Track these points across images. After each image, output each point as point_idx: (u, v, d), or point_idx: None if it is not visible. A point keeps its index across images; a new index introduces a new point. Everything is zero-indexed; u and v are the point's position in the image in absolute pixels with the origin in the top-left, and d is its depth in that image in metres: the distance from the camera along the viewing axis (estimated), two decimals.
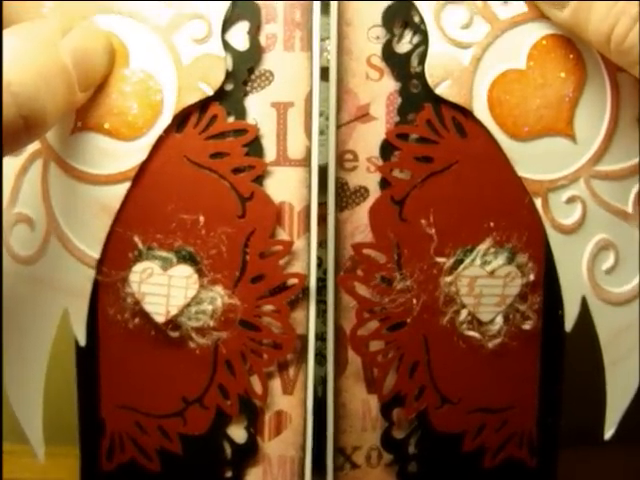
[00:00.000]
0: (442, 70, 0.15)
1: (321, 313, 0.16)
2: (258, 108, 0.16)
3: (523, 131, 0.16)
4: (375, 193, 0.16)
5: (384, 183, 0.16)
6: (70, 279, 0.16)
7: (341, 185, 0.16)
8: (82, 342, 0.17)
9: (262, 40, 0.16)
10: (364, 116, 0.16)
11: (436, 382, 0.17)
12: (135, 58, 0.16)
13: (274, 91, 0.16)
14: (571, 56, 0.16)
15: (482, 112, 0.16)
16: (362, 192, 0.16)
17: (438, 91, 0.15)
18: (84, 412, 0.18)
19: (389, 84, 0.16)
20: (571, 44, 0.16)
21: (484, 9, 0.16)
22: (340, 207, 0.16)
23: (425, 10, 0.15)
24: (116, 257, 0.16)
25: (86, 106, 0.16)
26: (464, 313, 0.16)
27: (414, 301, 0.16)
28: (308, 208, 0.16)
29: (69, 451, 0.36)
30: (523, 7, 0.16)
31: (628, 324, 0.18)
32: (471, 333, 0.16)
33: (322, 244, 0.16)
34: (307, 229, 0.16)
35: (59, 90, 0.15)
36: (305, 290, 0.16)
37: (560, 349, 0.18)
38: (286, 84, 0.16)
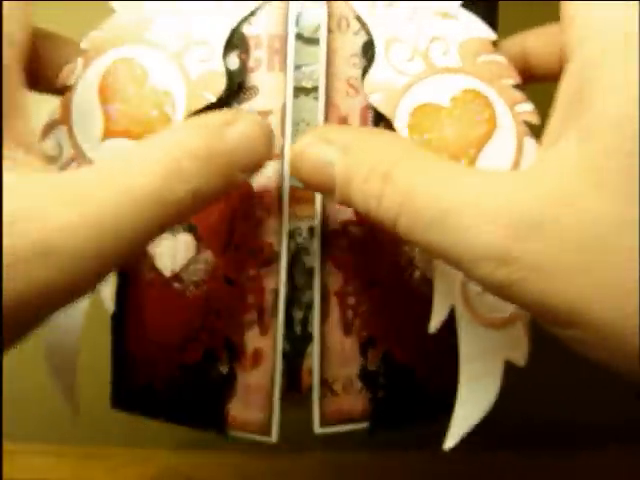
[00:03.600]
0: (378, 85, 0.20)
1: (306, 272, 0.21)
2: None
3: None
4: None
5: None
6: None
7: None
8: (110, 308, 0.22)
9: (251, 62, 0.20)
10: (344, 124, 0.21)
11: (400, 328, 0.21)
12: (153, 77, 0.20)
13: (259, 101, 0.21)
14: (487, 111, 0.20)
15: (401, 129, 0.20)
16: None
17: (371, 100, 0.20)
18: (115, 344, 0.23)
19: (363, 100, 0.21)
20: (488, 101, 0.20)
21: (424, 53, 0.20)
22: None
23: (379, 44, 0.20)
24: None
25: (116, 117, 0.20)
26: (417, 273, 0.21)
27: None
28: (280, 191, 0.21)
29: (69, 451, 0.39)
30: (459, 62, 0.20)
31: (494, 348, 0.21)
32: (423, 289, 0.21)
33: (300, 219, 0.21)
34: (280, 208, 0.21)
35: None
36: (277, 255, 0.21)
37: None
38: (267, 96, 0.21)
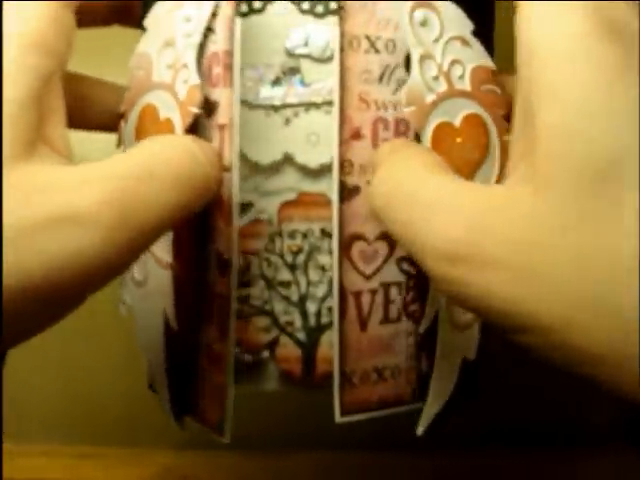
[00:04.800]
0: (412, 98, 0.22)
1: (320, 268, 0.23)
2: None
3: None
4: (365, 190, 0.23)
5: None
6: None
7: (342, 184, 0.23)
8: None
9: (213, 78, 0.23)
10: (357, 135, 0.23)
11: None
12: (161, 111, 0.23)
13: (219, 116, 0.23)
14: (484, 138, 0.23)
15: (426, 142, 0.22)
16: (356, 189, 0.23)
17: (405, 111, 0.22)
18: None
19: (374, 113, 0.23)
20: (487, 129, 0.23)
21: (447, 74, 0.22)
22: (342, 199, 0.23)
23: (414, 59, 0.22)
24: None
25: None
26: None
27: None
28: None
29: (69, 451, 0.38)
30: (469, 87, 0.23)
31: (458, 348, 0.24)
32: None
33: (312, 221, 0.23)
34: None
35: None
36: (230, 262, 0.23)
37: None
38: (224, 111, 0.22)
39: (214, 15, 0.22)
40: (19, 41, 0.18)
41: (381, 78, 0.23)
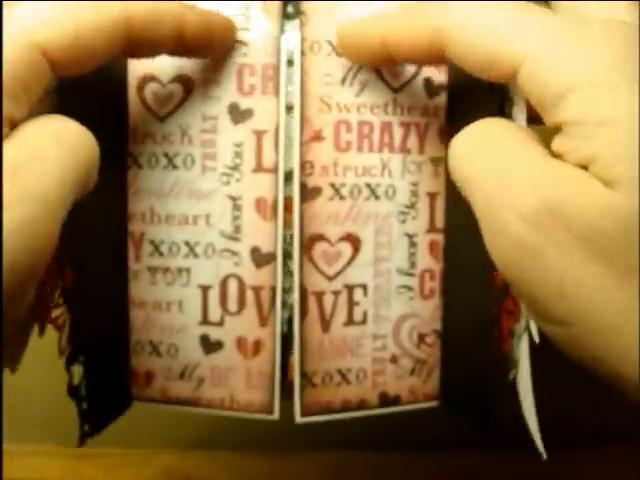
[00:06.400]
0: None
1: (288, 273, 0.23)
2: (244, 133, 0.23)
3: None
4: (326, 191, 0.23)
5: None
6: None
7: (303, 185, 0.23)
8: None
9: (246, 87, 0.23)
10: (318, 138, 0.23)
11: None
12: None
13: (254, 122, 0.23)
14: None
15: None
16: (317, 190, 0.23)
17: None
18: None
19: (336, 115, 0.23)
20: None
21: None
22: (302, 200, 0.23)
23: None
24: None
25: None
26: None
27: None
28: (276, 199, 0.23)
29: (69, 452, 0.39)
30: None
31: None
32: None
33: (287, 226, 0.23)
34: (275, 214, 0.23)
35: None
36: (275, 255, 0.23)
37: None
38: (262, 118, 0.23)
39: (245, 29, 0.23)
40: None
41: (344, 80, 0.23)
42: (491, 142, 0.19)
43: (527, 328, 0.22)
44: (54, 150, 0.17)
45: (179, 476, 0.41)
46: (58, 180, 0.17)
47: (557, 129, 0.17)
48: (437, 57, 0.20)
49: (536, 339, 0.21)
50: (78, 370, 0.23)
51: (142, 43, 0.20)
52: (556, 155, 0.17)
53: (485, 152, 0.18)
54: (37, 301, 0.21)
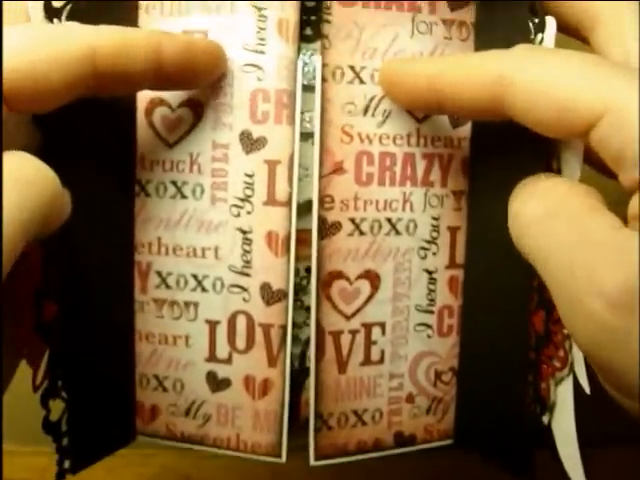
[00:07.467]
0: None
1: (304, 309, 0.22)
2: (256, 164, 0.21)
3: None
4: (346, 227, 0.22)
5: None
6: None
7: (322, 220, 0.21)
8: None
9: (259, 114, 0.21)
10: (339, 170, 0.21)
11: None
12: None
13: (267, 152, 0.21)
14: None
15: None
16: (337, 226, 0.22)
17: None
18: None
19: (357, 146, 0.21)
20: None
21: None
22: (321, 236, 0.21)
23: None
24: None
25: None
26: None
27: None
28: (289, 235, 0.21)
29: None
30: None
31: None
32: None
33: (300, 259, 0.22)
34: (287, 249, 0.22)
35: None
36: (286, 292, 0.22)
37: None
38: (275, 147, 0.21)
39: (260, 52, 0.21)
40: None
41: (366, 109, 0.21)
42: (562, 210, 0.17)
43: (570, 375, 0.21)
44: (6, 187, 0.16)
45: (179, 476, 0.41)
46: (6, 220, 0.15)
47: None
48: (493, 109, 0.18)
49: (587, 390, 0.21)
50: (58, 405, 0.22)
51: (113, 78, 0.18)
52: (630, 218, 0.16)
53: (557, 223, 0.17)
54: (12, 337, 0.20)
